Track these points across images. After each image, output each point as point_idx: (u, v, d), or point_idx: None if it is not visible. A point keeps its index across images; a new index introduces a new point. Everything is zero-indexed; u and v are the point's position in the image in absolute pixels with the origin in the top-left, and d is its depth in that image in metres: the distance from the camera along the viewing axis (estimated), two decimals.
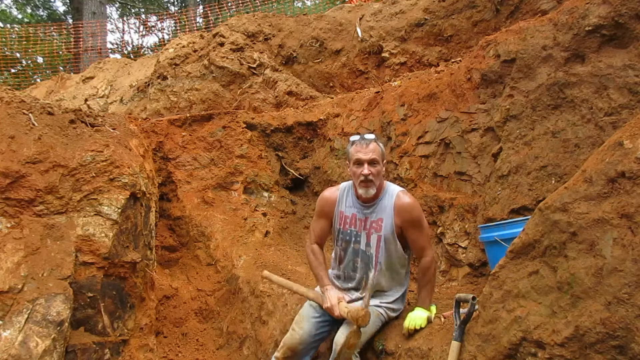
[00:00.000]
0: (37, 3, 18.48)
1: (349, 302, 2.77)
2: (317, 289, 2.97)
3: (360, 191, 2.71)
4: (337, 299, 2.70)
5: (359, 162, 2.68)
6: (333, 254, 2.96)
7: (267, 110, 5.70)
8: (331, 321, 2.80)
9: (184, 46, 6.83)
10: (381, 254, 2.74)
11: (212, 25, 11.83)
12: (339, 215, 2.84)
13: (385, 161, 2.81)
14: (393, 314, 2.84)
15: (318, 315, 2.82)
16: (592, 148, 2.90)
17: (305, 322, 2.81)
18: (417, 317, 2.63)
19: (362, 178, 2.66)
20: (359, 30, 6.33)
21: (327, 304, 2.71)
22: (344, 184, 2.91)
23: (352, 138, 2.80)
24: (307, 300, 2.95)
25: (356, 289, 2.84)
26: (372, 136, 2.75)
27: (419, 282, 2.79)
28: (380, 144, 2.76)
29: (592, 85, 3.04)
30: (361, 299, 2.78)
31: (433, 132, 4.02)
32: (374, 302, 2.79)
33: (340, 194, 2.86)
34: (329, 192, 2.91)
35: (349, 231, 2.81)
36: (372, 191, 2.69)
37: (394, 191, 2.76)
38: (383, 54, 6.08)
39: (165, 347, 3.77)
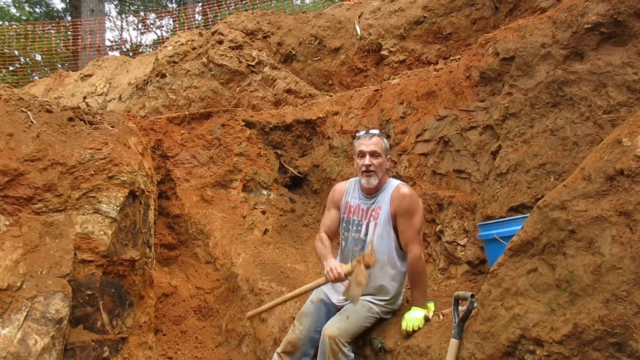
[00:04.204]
0: (35, 0, 18.42)
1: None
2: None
3: (363, 181, 2.86)
4: (338, 264, 2.67)
5: (362, 154, 2.84)
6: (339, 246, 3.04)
7: (266, 108, 5.68)
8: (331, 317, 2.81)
9: (182, 44, 6.81)
10: (375, 240, 2.78)
11: (210, 23, 11.81)
12: (345, 205, 2.97)
13: (389, 156, 2.96)
14: (387, 316, 2.86)
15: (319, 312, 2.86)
16: (591, 146, 2.90)
17: (305, 318, 2.86)
18: (413, 319, 2.64)
19: (363, 168, 2.80)
20: (358, 28, 6.32)
21: (326, 268, 2.65)
22: (354, 178, 3.07)
23: (358, 133, 2.97)
24: (308, 298, 2.97)
25: None
26: (376, 131, 2.93)
27: (410, 280, 2.80)
28: (384, 139, 2.92)
29: (591, 83, 3.04)
30: None
31: (432, 130, 4.02)
32: (368, 298, 2.80)
33: (349, 186, 3.03)
34: (340, 185, 3.11)
35: (351, 220, 2.92)
36: (374, 181, 2.82)
37: (395, 184, 2.89)
38: (382, 52, 6.07)
39: (165, 345, 3.77)
